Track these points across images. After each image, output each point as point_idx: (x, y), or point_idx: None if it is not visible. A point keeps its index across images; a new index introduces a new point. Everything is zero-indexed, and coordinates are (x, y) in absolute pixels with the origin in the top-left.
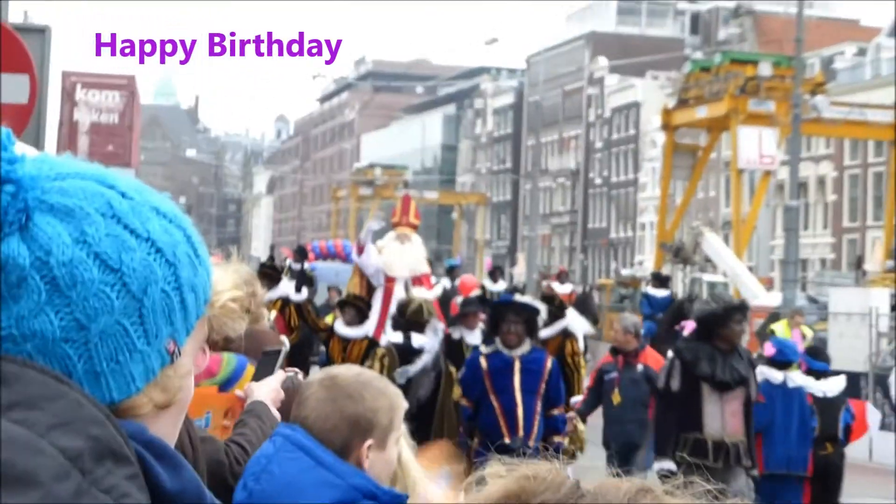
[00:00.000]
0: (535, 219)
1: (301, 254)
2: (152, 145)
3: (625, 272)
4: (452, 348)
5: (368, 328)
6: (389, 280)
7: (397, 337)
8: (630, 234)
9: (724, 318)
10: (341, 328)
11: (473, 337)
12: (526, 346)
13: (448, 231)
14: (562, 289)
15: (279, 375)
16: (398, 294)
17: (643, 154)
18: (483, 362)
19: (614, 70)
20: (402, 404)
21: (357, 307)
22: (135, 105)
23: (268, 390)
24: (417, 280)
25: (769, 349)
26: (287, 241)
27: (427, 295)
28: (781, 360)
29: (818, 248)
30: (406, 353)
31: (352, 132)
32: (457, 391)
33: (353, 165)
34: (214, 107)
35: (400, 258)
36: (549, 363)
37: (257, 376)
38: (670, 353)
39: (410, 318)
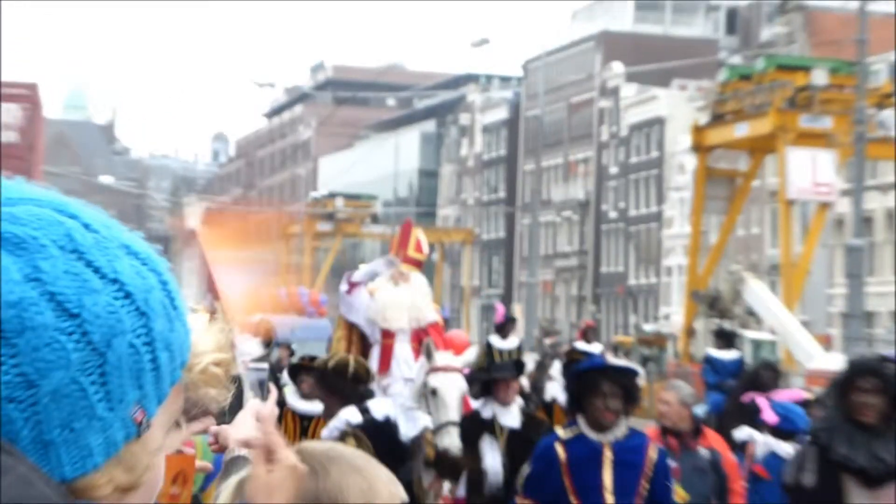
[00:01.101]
0: (534, 261)
1: None
2: (58, 169)
3: (647, 328)
4: (481, 429)
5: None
6: (387, 335)
7: (353, 414)
8: (653, 280)
9: (846, 382)
10: (296, 401)
11: (510, 417)
12: (622, 429)
13: (427, 276)
14: (589, 350)
15: (251, 404)
16: (402, 354)
17: (669, 182)
18: (560, 451)
19: (632, 78)
20: (395, 494)
21: (323, 373)
22: (38, 120)
23: (246, 427)
24: (424, 332)
25: (771, 416)
26: None
27: (453, 360)
28: (788, 430)
29: (888, 298)
30: (381, 435)
31: (307, 154)
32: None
33: (309, 195)
34: (135, 122)
35: (396, 304)
36: (652, 452)
37: (229, 415)
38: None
39: (340, 383)
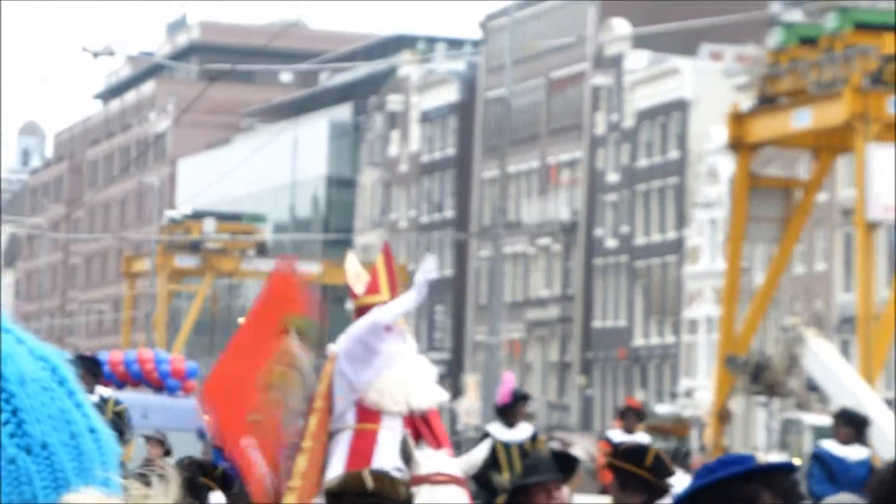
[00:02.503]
0: (496, 312)
1: (91, 372)
2: None
3: (662, 409)
4: None
5: None
6: (367, 417)
7: None
8: (670, 339)
9: None
10: None
11: None
12: None
13: (339, 331)
14: (633, 442)
15: None
16: (388, 448)
17: (694, 196)
18: None
19: (641, 43)
20: None
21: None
22: None
23: None
24: (422, 421)
25: None
26: None
27: (446, 463)
28: None
29: None
30: None
31: (161, 154)
32: None
33: (165, 216)
34: None
35: (400, 376)
36: None
37: None
38: None
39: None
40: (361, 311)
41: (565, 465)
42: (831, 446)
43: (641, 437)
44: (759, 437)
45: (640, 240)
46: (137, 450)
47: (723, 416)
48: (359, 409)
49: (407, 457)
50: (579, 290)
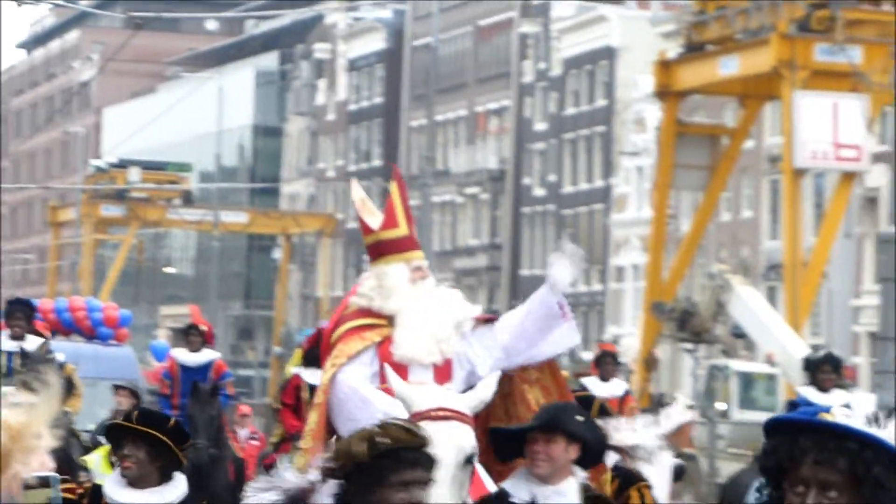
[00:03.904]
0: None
1: (26, 315)
2: None
3: (588, 356)
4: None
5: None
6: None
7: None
8: (597, 287)
9: None
10: (119, 492)
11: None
12: None
13: (265, 281)
14: (606, 389)
15: None
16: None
17: (621, 144)
18: None
19: None
20: None
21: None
22: None
23: None
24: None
25: None
26: None
27: (449, 398)
28: None
29: None
30: None
31: (86, 103)
32: None
33: (90, 165)
34: None
35: (421, 321)
36: None
37: None
38: None
39: None
40: (377, 247)
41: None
42: (811, 394)
43: (618, 384)
44: (685, 383)
45: (567, 188)
46: (99, 399)
47: (649, 363)
48: (382, 367)
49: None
50: (507, 239)
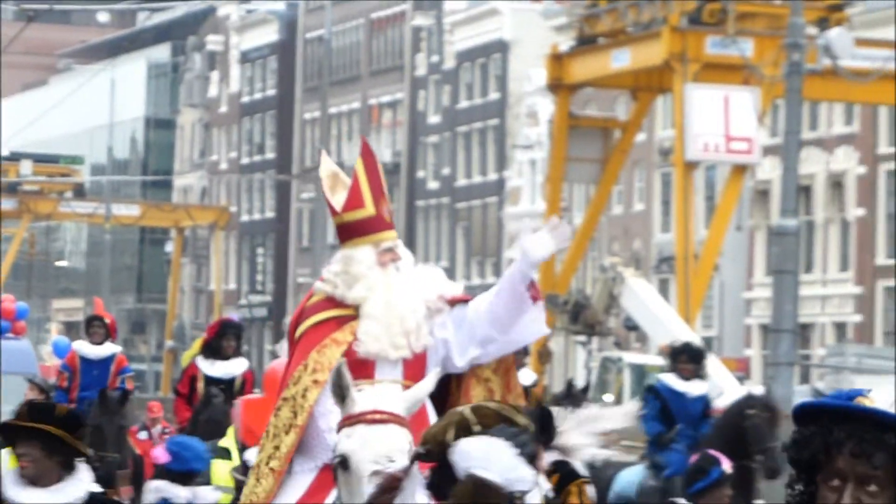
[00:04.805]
0: (319, 253)
1: None
2: None
3: None
4: None
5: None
6: (358, 370)
7: None
8: (491, 279)
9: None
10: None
11: None
12: None
13: (158, 274)
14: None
15: None
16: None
17: (515, 137)
18: None
19: None
20: None
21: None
22: None
23: None
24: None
25: (161, 455)
26: None
27: (389, 399)
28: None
29: (833, 303)
30: None
31: None
32: None
33: None
34: None
35: (384, 310)
36: None
37: None
38: None
39: None
40: (343, 229)
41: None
42: (671, 380)
43: (526, 374)
44: (578, 375)
45: (461, 181)
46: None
47: (543, 355)
48: (349, 364)
49: (341, 390)
50: (402, 232)
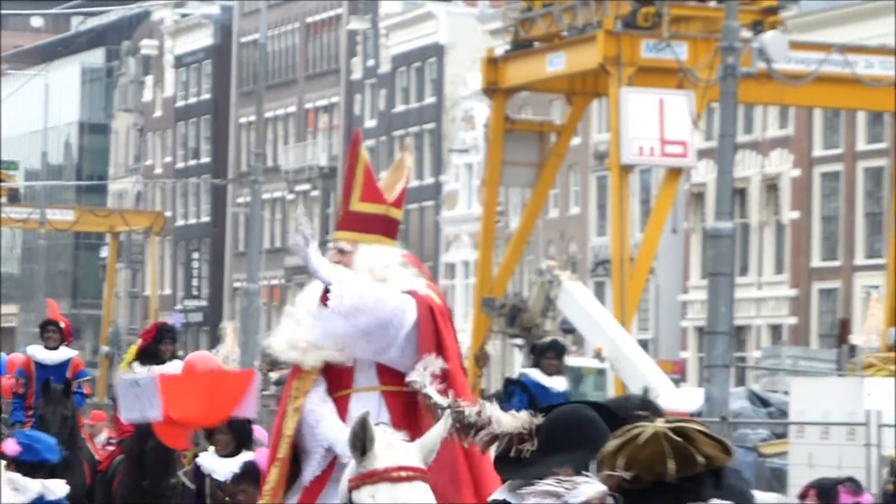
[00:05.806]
0: (255, 258)
1: None
2: None
3: None
4: None
5: None
6: (338, 380)
7: None
8: None
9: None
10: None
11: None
12: None
13: (93, 280)
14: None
15: None
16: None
17: (450, 141)
18: None
19: None
20: None
21: None
22: None
23: None
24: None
25: (11, 446)
26: None
27: (406, 452)
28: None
29: (768, 306)
30: None
31: None
32: None
33: None
34: None
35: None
36: None
37: None
38: None
39: None
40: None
41: None
42: (537, 375)
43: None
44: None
45: None
46: None
47: (480, 359)
48: (328, 376)
49: (362, 444)
50: None
